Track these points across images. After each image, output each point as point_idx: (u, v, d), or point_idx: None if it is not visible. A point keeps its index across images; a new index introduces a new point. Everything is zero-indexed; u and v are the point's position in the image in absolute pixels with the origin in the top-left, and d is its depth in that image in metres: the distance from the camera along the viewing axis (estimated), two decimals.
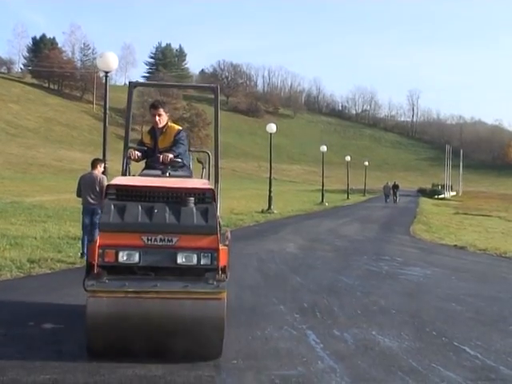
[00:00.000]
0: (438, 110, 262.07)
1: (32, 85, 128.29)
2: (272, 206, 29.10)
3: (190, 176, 6.03)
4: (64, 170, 63.71)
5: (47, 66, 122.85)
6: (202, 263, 4.76)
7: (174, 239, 4.74)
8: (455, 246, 16.77)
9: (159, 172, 5.82)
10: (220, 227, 5.05)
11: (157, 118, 6.39)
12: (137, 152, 6.32)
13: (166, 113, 6.48)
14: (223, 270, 4.88)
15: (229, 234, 5.54)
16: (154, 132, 6.49)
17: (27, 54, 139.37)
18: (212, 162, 6.55)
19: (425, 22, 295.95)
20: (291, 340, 5.59)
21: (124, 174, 6.15)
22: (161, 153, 6.16)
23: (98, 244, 4.71)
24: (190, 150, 6.84)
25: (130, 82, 6.65)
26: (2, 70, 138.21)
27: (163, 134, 6.43)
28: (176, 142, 6.34)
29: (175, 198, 4.90)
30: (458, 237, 19.52)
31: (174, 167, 6.03)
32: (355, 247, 15.25)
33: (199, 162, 6.57)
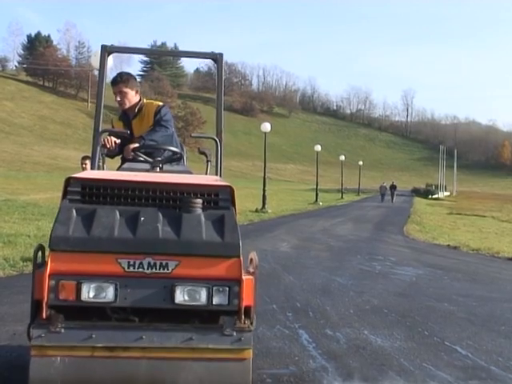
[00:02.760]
0: (433, 109, 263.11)
1: (27, 82, 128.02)
2: (266, 206, 29.15)
3: (189, 172, 4.29)
4: (58, 168, 63.51)
5: (42, 64, 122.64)
6: (214, 303, 3.10)
7: (171, 264, 3.08)
8: (448, 245, 16.84)
9: (147, 166, 4.27)
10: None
11: (118, 97, 4.99)
12: (114, 138, 4.74)
13: (133, 89, 5.04)
14: (247, 314, 3.20)
15: (255, 257, 3.40)
16: (127, 116, 5.12)
17: (22, 52, 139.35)
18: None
19: (420, 22, 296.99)
20: (283, 339, 5.60)
21: (95, 168, 4.72)
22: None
23: (47, 271, 2.99)
24: (191, 136, 5.80)
25: (102, 46, 4.97)
26: None
27: (138, 116, 5.05)
28: (155, 125, 4.91)
29: (173, 200, 3.35)
30: (452, 237, 19.59)
31: (168, 160, 4.53)
32: (349, 247, 15.27)
33: (201, 153, 5.00)
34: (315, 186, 47.52)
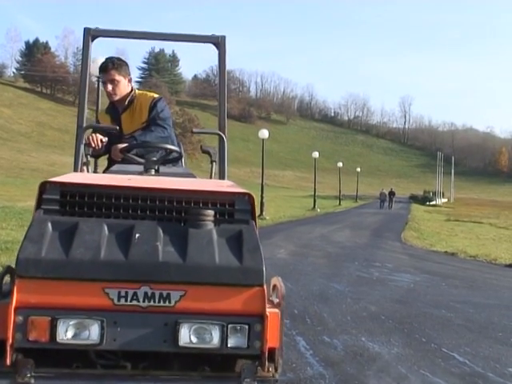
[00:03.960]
0: (430, 116, 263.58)
1: (24, 89, 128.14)
2: (264, 212, 29.12)
3: (192, 175, 3.75)
4: (56, 174, 61.66)
5: (40, 71, 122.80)
6: (230, 345, 2.42)
7: (175, 295, 2.39)
8: (446, 252, 16.85)
9: (140, 168, 3.63)
10: None
11: (109, 86, 4.24)
12: (100, 136, 4.07)
13: (126, 78, 4.30)
14: (272, 358, 2.50)
15: (280, 283, 2.63)
16: (115, 110, 4.39)
17: (20, 58, 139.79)
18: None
19: (417, 29, 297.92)
20: None
21: (78, 170, 4.07)
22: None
23: (13, 304, 2.32)
24: (192, 132, 5.04)
25: (85, 29, 4.32)
26: None
27: (129, 110, 4.33)
28: (150, 124, 4.23)
29: (177, 212, 2.71)
30: (449, 243, 19.60)
31: (166, 161, 3.95)
32: (346, 253, 15.27)
33: (205, 152, 4.36)
34: (313, 193, 47.56)
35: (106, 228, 2.47)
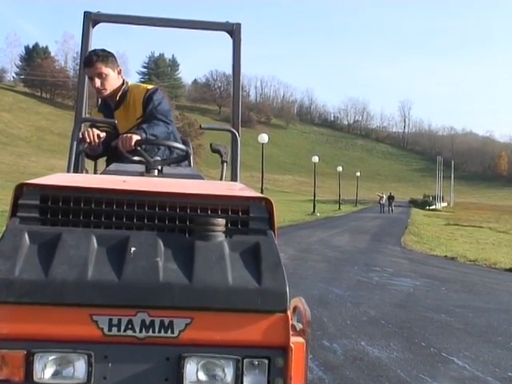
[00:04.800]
0: (430, 121, 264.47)
1: (24, 93, 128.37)
2: None
3: (200, 177, 3.28)
4: None
5: (40, 75, 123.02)
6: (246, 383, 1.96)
7: (179, 324, 1.94)
8: (445, 256, 16.85)
9: (141, 168, 3.26)
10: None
11: (97, 81, 3.74)
12: (96, 131, 3.62)
13: (115, 70, 3.80)
14: None
15: (303, 304, 2.17)
16: (108, 107, 3.93)
17: (20, 63, 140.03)
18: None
19: (417, 34, 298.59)
20: None
21: (72, 170, 3.61)
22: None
23: None
24: (201, 128, 4.30)
25: (85, 13, 4.03)
26: None
27: (122, 105, 3.87)
28: (149, 115, 3.73)
29: (181, 220, 2.23)
30: (449, 248, 19.59)
31: (171, 160, 3.57)
32: (346, 258, 15.26)
33: (215, 151, 3.88)
34: (313, 197, 47.60)
35: (94, 240, 2.01)
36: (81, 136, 3.58)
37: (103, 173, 3.24)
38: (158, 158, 3.40)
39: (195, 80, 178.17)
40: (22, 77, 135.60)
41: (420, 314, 7.75)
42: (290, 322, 1.98)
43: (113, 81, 3.79)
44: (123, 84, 3.86)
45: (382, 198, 60.82)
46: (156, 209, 2.20)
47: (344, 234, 25.18)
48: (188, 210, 2.21)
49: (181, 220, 2.20)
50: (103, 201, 2.17)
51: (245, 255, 2.06)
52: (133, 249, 1.99)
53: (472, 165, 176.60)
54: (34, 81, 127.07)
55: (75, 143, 3.57)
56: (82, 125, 3.87)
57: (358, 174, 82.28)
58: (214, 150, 3.86)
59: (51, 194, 2.16)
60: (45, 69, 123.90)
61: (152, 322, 1.90)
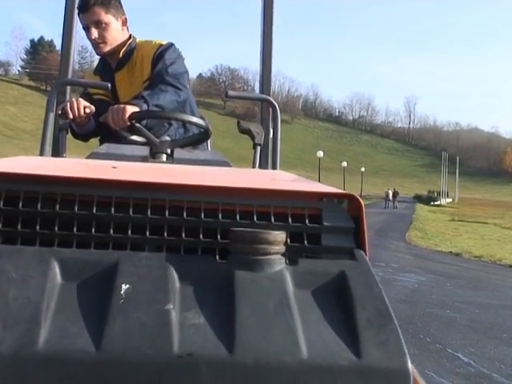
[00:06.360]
0: (435, 116, 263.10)
1: (29, 87, 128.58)
2: None
3: (226, 163, 2.41)
4: None
5: (45, 69, 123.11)
6: None
7: None
8: (450, 252, 16.83)
9: (144, 151, 2.36)
10: None
11: (93, 31, 2.84)
12: (83, 102, 2.65)
13: (118, 19, 2.90)
14: None
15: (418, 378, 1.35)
16: (107, 68, 3.00)
17: (25, 56, 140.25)
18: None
19: (423, 29, 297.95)
20: None
21: (43, 153, 2.64)
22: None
23: None
24: (227, 96, 3.05)
25: None
26: (0, 72, 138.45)
27: (127, 65, 2.93)
28: (155, 79, 2.78)
29: (208, 234, 1.27)
30: (454, 243, 19.56)
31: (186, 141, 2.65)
32: None
33: (244, 131, 2.81)
34: None
35: (56, 270, 1.11)
36: (60, 111, 2.68)
37: (88, 157, 2.29)
38: (167, 138, 2.56)
39: (200, 74, 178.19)
40: (27, 70, 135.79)
41: (425, 309, 7.72)
42: None
43: (115, 33, 2.89)
44: (130, 39, 2.96)
45: (388, 193, 61.15)
46: (165, 213, 1.28)
47: None
48: (220, 216, 1.29)
49: (208, 232, 1.28)
50: (76, 199, 1.26)
51: (322, 297, 1.15)
52: (124, 286, 1.08)
53: (477, 161, 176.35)
54: (39, 74, 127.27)
55: (51, 115, 2.69)
56: (68, 89, 3.03)
57: (363, 169, 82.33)
58: (244, 130, 2.82)
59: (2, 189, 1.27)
60: (50, 62, 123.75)
61: None
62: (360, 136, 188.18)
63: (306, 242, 1.31)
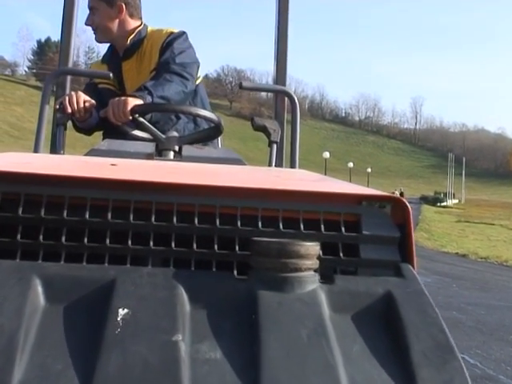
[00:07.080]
0: (441, 117, 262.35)
1: (36, 87, 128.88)
2: None
3: (240, 161, 2.24)
4: None
5: (52, 69, 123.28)
6: None
7: None
8: (457, 253, 16.81)
9: (149, 147, 2.20)
10: None
11: (87, 17, 2.75)
12: (83, 96, 2.49)
13: (114, 6, 2.70)
14: None
15: None
16: (115, 56, 2.81)
17: (32, 57, 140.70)
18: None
19: (429, 30, 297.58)
20: None
21: (38, 150, 2.52)
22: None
23: None
24: (241, 87, 2.73)
25: None
26: (7, 73, 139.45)
27: (136, 54, 2.74)
28: (161, 68, 2.57)
29: (225, 244, 1.05)
30: (460, 245, 19.54)
31: (195, 137, 2.43)
32: None
33: (258, 128, 2.60)
34: None
35: (38, 288, 0.92)
36: (58, 105, 2.54)
37: (87, 154, 2.13)
38: (175, 134, 2.31)
39: (206, 75, 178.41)
40: (34, 71, 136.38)
41: None
42: None
43: (104, 19, 2.67)
44: (141, 25, 2.75)
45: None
46: (173, 219, 1.07)
47: None
48: (238, 223, 1.08)
49: (224, 243, 1.07)
50: (65, 202, 1.06)
51: (365, 324, 0.96)
52: (122, 311, 0.89)
53: (483, 162, 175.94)
54: (46, 75, 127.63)
55: (46, 108, 2.54)
56: (68, 82, 2.81)
57: (369, 170, 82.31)
58: (259, 127, 2.59)
59: None
60: (57, 63, 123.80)
61: None
62: (366, 137, 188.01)
63: (341, 255, 1.08)
